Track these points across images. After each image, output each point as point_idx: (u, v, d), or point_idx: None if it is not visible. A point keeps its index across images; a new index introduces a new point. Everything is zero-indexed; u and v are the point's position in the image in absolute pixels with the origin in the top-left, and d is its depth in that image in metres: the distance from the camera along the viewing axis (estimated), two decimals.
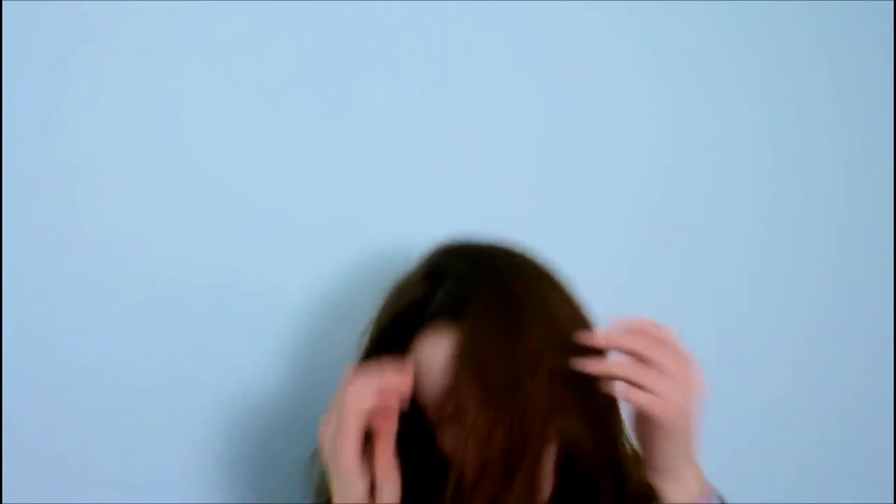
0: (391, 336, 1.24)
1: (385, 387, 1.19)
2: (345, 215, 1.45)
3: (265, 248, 1.42)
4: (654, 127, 1.65)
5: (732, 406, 1.64)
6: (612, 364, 1.16)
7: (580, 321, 1.23)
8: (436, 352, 1.21)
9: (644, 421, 1.18)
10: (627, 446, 1.26)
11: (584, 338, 1.18)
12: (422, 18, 1.50)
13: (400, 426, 1.20)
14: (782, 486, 1.68)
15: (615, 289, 1.47)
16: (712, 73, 1.69)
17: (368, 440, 1.18)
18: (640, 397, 1.15)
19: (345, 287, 1.44)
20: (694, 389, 1.16)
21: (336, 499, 1.18)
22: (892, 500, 1.77)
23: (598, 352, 1.18)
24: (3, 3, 1.30)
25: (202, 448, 1.38)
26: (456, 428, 1.19)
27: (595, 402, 1.19)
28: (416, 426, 1.24)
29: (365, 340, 1.27)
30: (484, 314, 1.20)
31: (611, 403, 1.22)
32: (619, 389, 1.17)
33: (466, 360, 1.19)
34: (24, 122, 1.31)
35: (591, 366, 1.17)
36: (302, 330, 1.41)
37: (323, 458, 1.18)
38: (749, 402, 1.67)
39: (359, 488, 1.17)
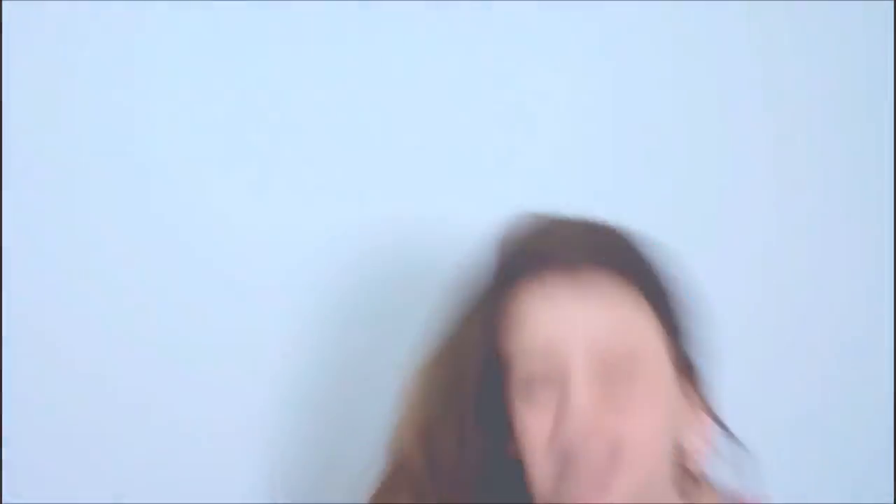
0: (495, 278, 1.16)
1: None
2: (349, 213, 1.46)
3: (270, 248, 1.43)
4: (650, 127, 1.65)
5: (732, 406, 1.64)
6: None
7: None
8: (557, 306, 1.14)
9: None
10: None
11: None
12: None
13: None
14: (782, 486, 1.68)
15: None
16: (709, 73, 1.69)
17: None
18: None
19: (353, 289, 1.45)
20: None
21: None
22: (892, 501, 1.78)
23: None
24: (3, 2, 1.30)
25: (202, 448, 1.39)
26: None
27: None
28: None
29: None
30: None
31: None
32: None
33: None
34: (24, 123, 1.32)
35: None
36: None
37: None
38: (749, 402, 1.67)
39: None
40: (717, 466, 1.21)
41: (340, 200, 1.46)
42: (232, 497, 1.39)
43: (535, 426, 1.12)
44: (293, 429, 1.40)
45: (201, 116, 1.39)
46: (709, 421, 1.23)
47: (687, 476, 1.20)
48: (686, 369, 1.20)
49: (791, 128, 1.75)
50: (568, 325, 1.13)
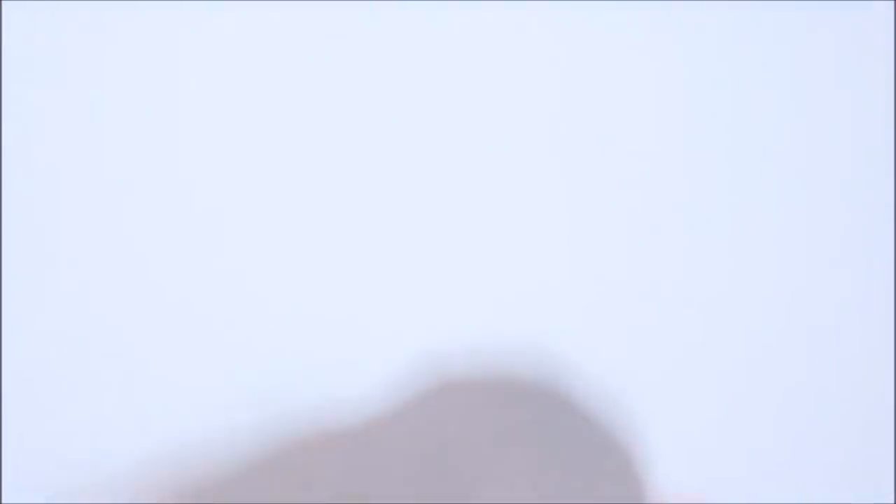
0: None
1: None
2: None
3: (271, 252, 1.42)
4: (643, 126, 1.65)
5: (732, 406, 1.64)
6: None
7: None
8: None
9: None
10: None
11: None
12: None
13: None
14: (782, 486, 1.68)
15: (614, 288, 1.47)
16: (708, 72, 1.69)
17: None
18: None
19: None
20: None
21: None
22: (892, 501, 1.77)
23: None
24: (3, 2, 1.30)
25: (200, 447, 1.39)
26: None
27: None
28: None
29: None
30: None
31: None
32: None
33: None
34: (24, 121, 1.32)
35: None
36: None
37: None
38: (748, 402, 1.67)
39: None
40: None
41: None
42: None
43: None
44: None
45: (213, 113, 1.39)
46: None
47: None
48: None
49: (788, 128, 1.75)
50: None
